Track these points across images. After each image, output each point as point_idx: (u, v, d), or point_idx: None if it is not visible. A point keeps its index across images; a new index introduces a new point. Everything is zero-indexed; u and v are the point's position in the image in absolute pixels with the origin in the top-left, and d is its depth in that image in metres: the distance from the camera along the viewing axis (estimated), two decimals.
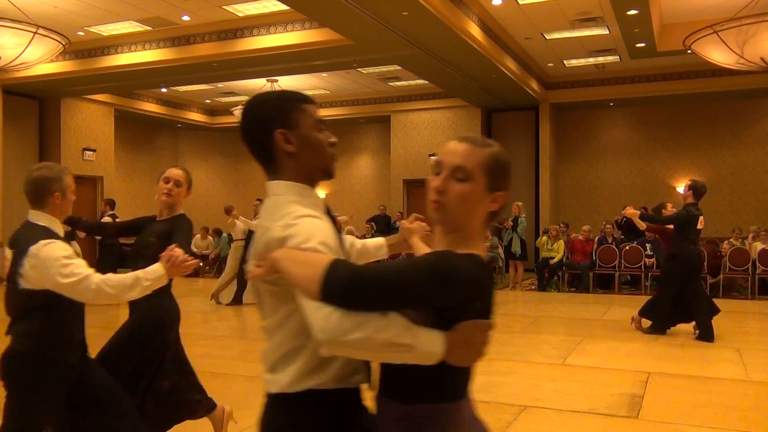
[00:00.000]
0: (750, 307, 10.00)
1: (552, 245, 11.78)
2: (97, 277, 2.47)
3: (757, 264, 11.03)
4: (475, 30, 10.23)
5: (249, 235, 9.77)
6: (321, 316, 1.27)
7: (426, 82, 14.18)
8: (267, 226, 1.47)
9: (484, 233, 1.52)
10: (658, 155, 15.65)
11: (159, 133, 18.82)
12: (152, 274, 2.62)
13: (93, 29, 11.53)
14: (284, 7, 9.64)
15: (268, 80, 14.14)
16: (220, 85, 15.47)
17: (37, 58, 9.18)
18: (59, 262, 2.41)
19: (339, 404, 1.49)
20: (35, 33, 8.61)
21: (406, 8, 8.66)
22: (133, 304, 3.11)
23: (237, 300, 9.79)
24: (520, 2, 10.10)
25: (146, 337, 3.20)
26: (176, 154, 19.42)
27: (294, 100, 1.60)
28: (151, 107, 16.80)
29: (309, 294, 1.29)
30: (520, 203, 12.26)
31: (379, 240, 2.23)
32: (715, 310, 6.95)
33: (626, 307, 9.49)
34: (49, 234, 2.52)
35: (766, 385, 5.14)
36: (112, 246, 9.69)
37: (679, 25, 11.00)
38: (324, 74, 14.38)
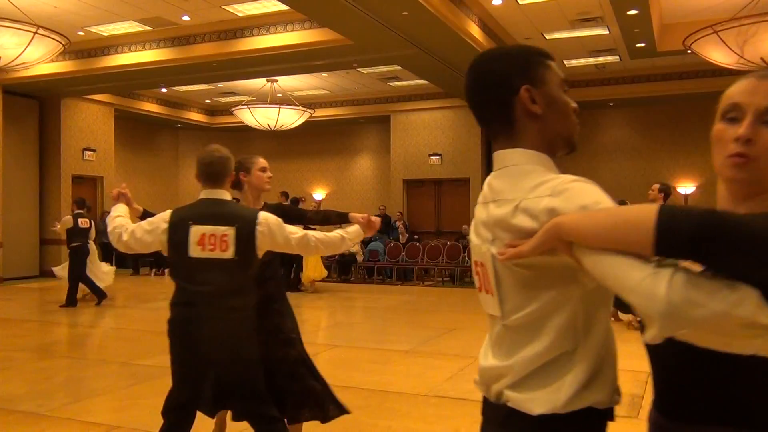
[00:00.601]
0: None
1: None
2: (313, 235, 2.86)
3: None
4: (475, 30, 10.23)
5: None
6: (658, 282, 0.94)
7: (426, 82, 14.17)
8: (514, 197, 1.21)
9: None
10: (658, 155, 15.65)
11: (159, 133, 18.81)
12: (354, 234, 2.98)
13: (93, 29, 11.53)
14: (284, 7, 9.63)
15: (268, 80, 14.14)
16: (220, 85, 15.46)
17: (37, 58, 9.17)
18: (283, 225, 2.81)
19: (603, 428, 1.22)
20: (35, 33, 8.60)
21: (406, 8, 8.66)
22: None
23: None
24: (520, 2, 10.09)
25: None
26: (176, 154, 19.42)
27: (538, 54, 1.36)
28: (151, 107, 16.79)
29: (631, 250, 0.98)
30: None
31: None
32: None
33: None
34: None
35: None
36: (79, 247, 9.54)
37: (679, 25, 11.00)
38: (324, 74, 14.37)
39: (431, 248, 13.29)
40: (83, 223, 9.60)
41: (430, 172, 16.23)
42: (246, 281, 2.75)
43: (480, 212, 1.33)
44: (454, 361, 5.75)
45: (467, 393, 4.60)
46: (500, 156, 1.31)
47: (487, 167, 16.02)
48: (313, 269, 11.31)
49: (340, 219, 3.37)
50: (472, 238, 1.37)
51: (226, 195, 2.81)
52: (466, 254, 12.74)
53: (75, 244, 9.50)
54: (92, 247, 10.10)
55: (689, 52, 9.60)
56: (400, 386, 4.92)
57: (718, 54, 9.06)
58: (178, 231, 2.69)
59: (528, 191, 1.18)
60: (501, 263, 1.22)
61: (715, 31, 8.46)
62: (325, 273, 11.80)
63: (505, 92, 1.29)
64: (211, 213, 2.72)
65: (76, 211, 9.69)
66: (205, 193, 2.79)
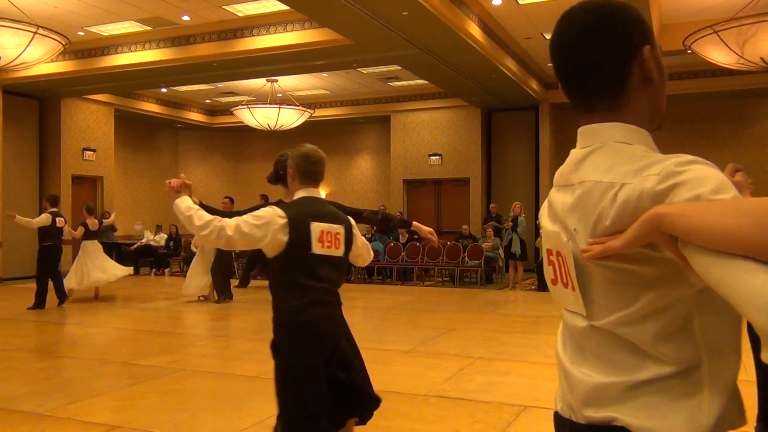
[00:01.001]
0: None
1: None
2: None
3: None
4: (475, 30, 10.23)
5: None
6: None
7: (426, 82, 14.17)
8: (612, 180, 1.02)
9: None
10: None
11: (159, 133, 18.81)
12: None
13: (93, 29, 11.53)
14: (284, 7, 9.63)
15: (268, 80, 14.14)
16: (220, 85, 15.47)
17: (37, 58, 9.17)
18: None
19: None
20: (35, 33, 8.60)
21: (406, 8, 8.66)
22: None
23: (227, 294, 10.09)
24: (520, 2, 10.09)
25: None
26: (176, 154, 19.42)
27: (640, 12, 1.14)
28: (151, 107, 16.79)
29: (759, 256, 0.81)
30: (519, 203, 12.26)
31: None
32: None
33: None
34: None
35: None
36: (51, 247, 9.37)
37: (679, 25, 10.99)
38: (324, 74, 14.37)
39: (431, 248, 13.29)
40: (60, 222, 9.42)
41: (430, 172, 16.23)
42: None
43: (559, 195, 1.16)
44: (454, 361, 5.74)
45: (467, 393, 4.61)
46: (593, 131, 1.12)
47: (488, 167, 16.03)
48: None
49: (403, 225, 3.36)
50: (545, 223, 1.20)
51: (322, 195, 2.93)
52: (466, 254, 12.75)
53: (47, 243, 9.29)
54: (97, 244, 10.18)
55: (689, 52, 9.60)
56: (400, 386, 4.92)
57: (718, 54, 9.06)
58: (300, 227, 2.66)
59: (631, 174, 1.00)
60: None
61: (715, 31, 8.46)
62: None
63: (624, 52, 1.09)
64: (324, 211, 2.79)
65: (51, 209, 9.41)
66: (305, 192, 2.84)
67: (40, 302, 9.27)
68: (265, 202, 10.93)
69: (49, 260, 9.35)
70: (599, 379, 1.07)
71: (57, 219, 9.38)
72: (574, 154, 1.15)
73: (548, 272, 1.21)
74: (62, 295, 9.49)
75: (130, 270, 10.77)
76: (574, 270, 1.09)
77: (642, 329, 1.01)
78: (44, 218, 9.30)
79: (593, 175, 1.06)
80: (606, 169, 1.05)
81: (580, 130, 1.15)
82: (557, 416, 1.21)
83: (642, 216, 0.94)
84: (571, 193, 1.11)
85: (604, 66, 1.10)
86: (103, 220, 10.97)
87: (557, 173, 1.19)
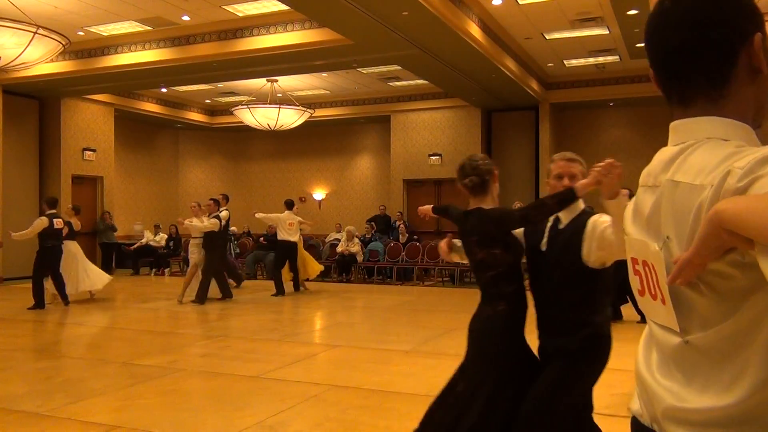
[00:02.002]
0: None
1: None
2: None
3: None
4: (475, 30, 10.23)
5: (209, 234, 9.86)
6: None
7: (426, 82, 14.17)
8: (702, 183, 0.92)
9: None
10: None
11: (159, 133, 18.81)
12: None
13: (93, 29, 11.53)
14: (284, 7, 9.63)
15: (268, 80, 14.14)
16: (220, 85, 15.46)
17: (37, 58, 9.17)
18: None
19: None
20: (35, 33, 8.60)
21: (406, 8, 8.65)
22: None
23: (201, 298, 9.80)
24: (520, 2, 10.09)
25: None
26: (176, 154, 19.42)
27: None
28: (151, 107, 16.79)
29: None
30: (519, 203, 12.25)
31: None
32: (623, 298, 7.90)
33: (626, 306, 9.48)
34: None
35: None
36: (53, 248, 9.45)
37: None
38: (324, 74, 14.37)
39: (431, 248, 13.28)
40: (58, 223, 9.46)
41: (430, 172, 16.23)
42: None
43: (647, 197, 1.05)
44: (454, 361, 5.72)
45: None
46: (687, 126, 1.01)
47: None
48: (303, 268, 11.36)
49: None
50: (630, 229, 1.10)
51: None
52: None
53: (48, 244, 9.36)
54: (77, 246, 9.99)
55: None
56: (400, 386, 4.92)
57: None
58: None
59: (712, 171, 0.91)
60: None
61: None
62: (319, 268, 11.84)
63: (733, 36, 0.97)
64: None
65: (49, 212, 9.47)
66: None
67: (39, 302, 9.29)
68: (224, 201, 10.55)
69: (49, 260, 9.40)
70: (692, 397, 0.96)
71: (55, 221, 9.39)
72: (664, 152, 1.04)
73: (634, 283, 1.11)
74: (65, 296, 9.55)
75: (110, 278, 10.58)
76: (666, 282, 0.96)
77: (739, 342, 0.90)
78: (39, 223, 9.34)
79: (686, 176, 0.95)
80: (698, 170, 0.93)
81: (672, 125, 1.05)
82: (635, 421, 1.14)
83: (705, 216, 0.83)
84: (661, 194, 1.00)
85: (707, 51, 0.98)
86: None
87: (644, 172, 1.09)
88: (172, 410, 4.37)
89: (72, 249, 9.87)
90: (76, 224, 10.11)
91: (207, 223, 9.88)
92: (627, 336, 7.19)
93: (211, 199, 10.46)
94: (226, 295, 10.18)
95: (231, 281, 11.09)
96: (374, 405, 4.46)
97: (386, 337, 7.16)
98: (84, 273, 9.92)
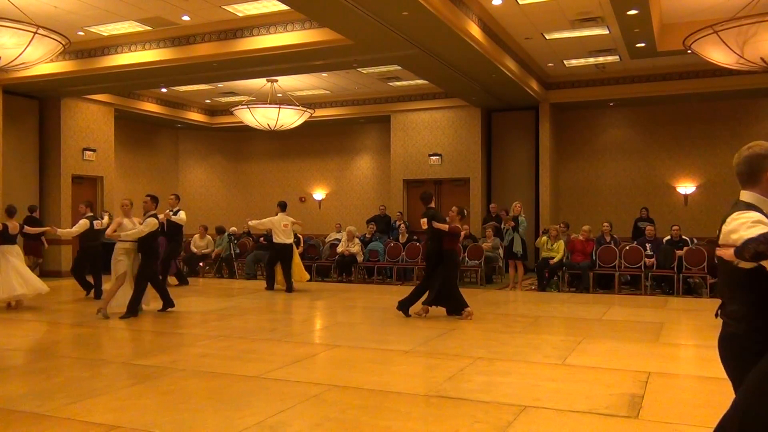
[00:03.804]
0: None
1: (552, 245, 11.78)
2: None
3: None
4: (475, 30, 10.23)
5: (146, 236, 8.47)
6: None
7: (426, 82, 14.18)
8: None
9: None
10: (658, 155, 15.65)
11: (159, 133, 18.82)
12: None
13: (93, 29, 11.53)
14: (284, 7, 9.64)
15: (268, 80, 14.15)
16: (220, 85, 15.47)
17: (37, 58, 9.17)
18: (746, 223, 2.37)
19: None
20: (35, 33, 8.59)
21: (406, 8, 8.66)
22: None
23: (132, 311, 8.40)
24: (520, 2, 10.10)
25: None
26: (176, 154, 19.43)
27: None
28: (151, 107, 16.80)
29: None
30: (519, 203, 12.26)
31: None
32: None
33: (626, 307, 9.49)
34: (750, 208, 2.48)
35: None
36: (91, 248, 10.31)
37: (679, 25, 11.00)
38: (324, 74, 14.38)
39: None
40: (97, 224, 10.23)
41: (430, 172, 16.24)
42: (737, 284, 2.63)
43: None
44: (454, 361, 5.74)
45: (467, 393, 4.61)
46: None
47: (488, 167, 16.04)
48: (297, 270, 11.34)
49: None
50: None
51: (748, 196, 2.60)
52: (466, 254, 12.74)
53: (89, 243, 10.31)
54: (18, 249, 9.52)
55: (689, 52, 9.59)
56: (400, 386, 4.92)
57: (718, 54, 9.05)
58: None
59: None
60: None
61: (715, 31, 8.45)
62: (306, 277, 11.66)
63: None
64: None
65: (89, 214, 10.22)
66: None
67: (97, 293, 10.04)
68: (156, 203, 8.90)
69: (90, 259, 10.37)
70: None
71: (94, 222, 10.18)
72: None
73: None
74: (100, 293, 9.98)
75: (48, 288, 9.66)
76: None
77: None
78: (83, 224, 10.00)
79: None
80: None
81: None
82: None
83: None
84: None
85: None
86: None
87: None
88: (172, 410, 4.37)
89: (7, 253, 9.23)
90: (14, 227, 9.46)
91: (142, 227, 8.37)
92: (630, 336, 7.17)
93: (148, 195, 8.97)
94: (167, 304, 8.89)
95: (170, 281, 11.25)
96: (374, 405, 4.46)
97: (386, 337, 7.16)
98: (20, 279, 9.17)
